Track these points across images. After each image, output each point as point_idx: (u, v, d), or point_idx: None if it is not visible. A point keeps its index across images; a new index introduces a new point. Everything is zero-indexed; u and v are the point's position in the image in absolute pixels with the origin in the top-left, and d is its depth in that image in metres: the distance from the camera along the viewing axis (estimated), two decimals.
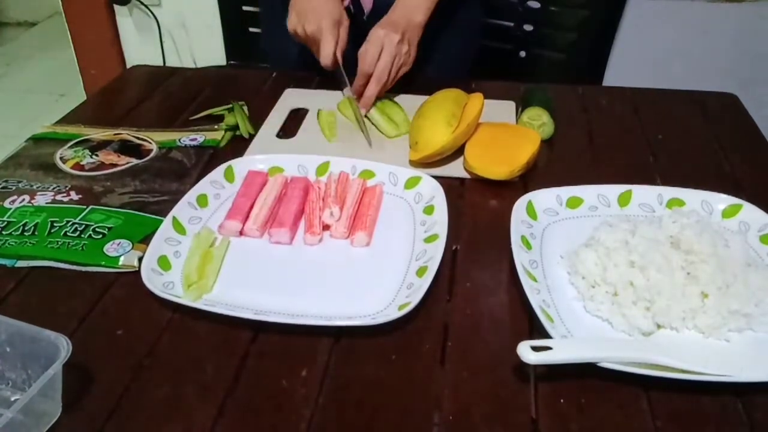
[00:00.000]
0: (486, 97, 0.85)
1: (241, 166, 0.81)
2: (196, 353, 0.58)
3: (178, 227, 0.71)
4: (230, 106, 0.97)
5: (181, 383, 0.55)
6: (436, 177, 0.78)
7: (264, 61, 1.29)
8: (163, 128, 0.93)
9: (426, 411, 0.53)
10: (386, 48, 0.89)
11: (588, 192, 0.75)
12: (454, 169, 0.83)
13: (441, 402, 0.53)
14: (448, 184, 0.78)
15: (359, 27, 0.92)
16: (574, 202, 0.74)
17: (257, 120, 0.95)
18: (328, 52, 0.91)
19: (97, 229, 0.71)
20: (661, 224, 0.64)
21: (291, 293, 0.64)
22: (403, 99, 0.97)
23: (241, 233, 0.72)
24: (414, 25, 0.93)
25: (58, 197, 0.76)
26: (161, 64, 2.05)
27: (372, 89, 0.91)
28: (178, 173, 0.82)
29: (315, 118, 0.95)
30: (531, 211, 0.72)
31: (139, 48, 2.11)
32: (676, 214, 0.66)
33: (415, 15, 0.93)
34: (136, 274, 0.64)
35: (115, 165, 0.84)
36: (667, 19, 1.72)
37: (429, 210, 0.74)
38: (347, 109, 0.95)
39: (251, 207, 0.74)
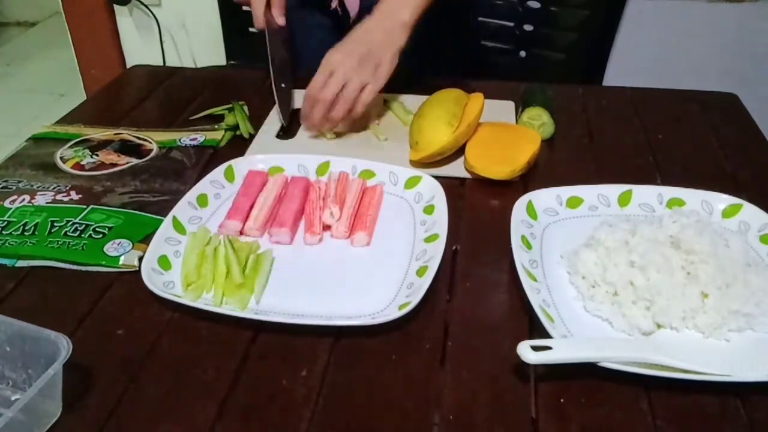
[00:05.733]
0: (486, 97, 0.85)
1: (241, 166, 0.81)
2: (196, 353, 0.58)
3: (179, 227, 0.71)
4: (230, 106, 0.97)
5: (181, 383, 0.55)
6: (436, 177, 0.78)
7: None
8: (163, 128, 0.93)
9: (426, 411, 0.53)
10: (335, 76, 0.82)
11: (588, 192, 0.75)
12: (455, 169, 0.83)
13: (441, 402, 0.53)
14: (448, 184, 0.78)
15: (345, 30, 0.90)
16: (574, 202, 0.74)
17: (257, 120, 0.95)
18: (258, 13, 0.88)
19: (97, 229, 0.71)
20: (661, 224, 0.64)
21: (291, 293, 0.64)
22: (403, 99, 0.97)
23: (241, 233, 0.72)
24: (398, 24, 0.84)
25: (59, 197, 0.76)
26: (161, 64, 2.04)
27: (318, 113, 0.85)
28: (178, 173, 0.82)
29: None
30: (531, 211, 0.72)
31: (139, 48, 2.11)
32: (676, 214, 0.66)
33: (401, 12, 0.84)
34: (136, 274, 0.64)
35: (115, 165, 0.84)
36: (667, 19, 1.72)
37: (429, 210, 0.74)
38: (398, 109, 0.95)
39: (251, 207, 0.74)
